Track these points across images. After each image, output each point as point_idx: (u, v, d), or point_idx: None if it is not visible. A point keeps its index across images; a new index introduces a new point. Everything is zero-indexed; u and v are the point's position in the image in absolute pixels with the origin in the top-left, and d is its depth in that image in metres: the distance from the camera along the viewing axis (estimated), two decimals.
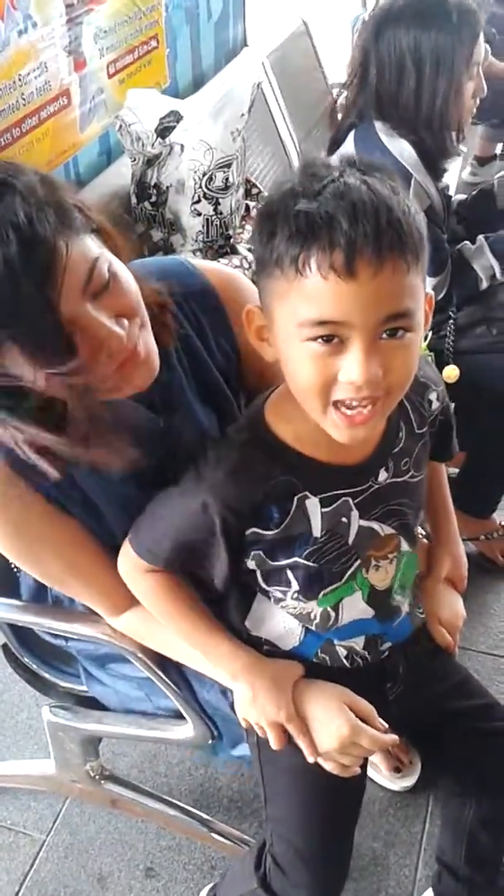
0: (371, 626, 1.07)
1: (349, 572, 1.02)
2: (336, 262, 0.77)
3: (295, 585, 1.01)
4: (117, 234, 0.97)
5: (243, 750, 1.25)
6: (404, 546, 1.06)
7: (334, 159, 0.85)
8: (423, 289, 0.84)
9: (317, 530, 0.97)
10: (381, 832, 1.63)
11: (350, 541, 1.00)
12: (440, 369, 1.87)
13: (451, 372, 1.87)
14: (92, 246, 0.88)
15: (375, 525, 1.01)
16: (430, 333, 1.87)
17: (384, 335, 0.81)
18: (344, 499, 0.98)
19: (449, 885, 1.35)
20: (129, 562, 1.05)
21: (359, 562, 1.02)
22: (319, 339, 0.81)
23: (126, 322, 0.91)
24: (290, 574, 1.00)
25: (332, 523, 0.98)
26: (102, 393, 0.93)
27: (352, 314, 0.79)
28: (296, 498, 0.96)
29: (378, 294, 0.79)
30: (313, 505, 0.96)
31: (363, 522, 1.00)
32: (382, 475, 0.99)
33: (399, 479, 1.01)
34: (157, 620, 1.09)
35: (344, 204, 0.78)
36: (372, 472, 0.99)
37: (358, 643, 1.08)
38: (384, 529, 1.02)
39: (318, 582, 1.01)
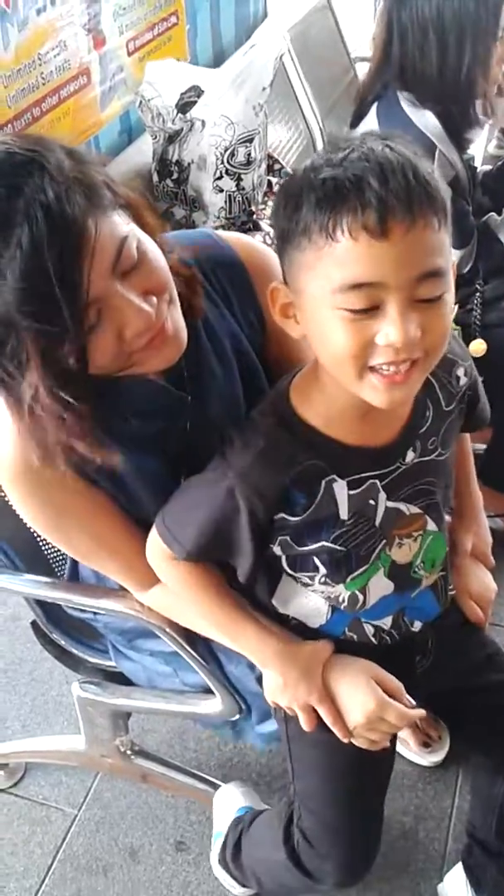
0: (392, 602, 1.06)
1: (375, 553, 1.01)
2: (369, 223, 0.76)
3: (322, 570, 1.00)
4: (146, 208, 0.96)
5: (270, 726, 1.25)
6: (430, 525, 1.05)
7: (353, 133, 0.84)
8: (450, 250, 0.83)
9: (344, 513, 0.97)
10: (410, 807, 1.63)
11: (377, 522, 0.99)
12: (467, 343, 1.85)
13: (479, 346, 1.85)
14: (120, 223, 0.87)
15: (402, 506, 1.00)
16: (456, 307, 1.85)
17: (419, 301, 0.80)
18: (372, 481, 0.97)
19: (479, 859, 1.36)
20: (157, 549, 1.05)
21: (384, 542, 1.01)
22: (355, 311, 0.80)
23: (154, 299, 0.90)
24: (316, 560, 1.00)
25: (360, 506, 0.97)
26: (128, 369, 0.92)
27: (387, 274, 0.78)
28: (323, 482, 0.95)
29: (412, 252, 0.78)
30: (340, 488, 0.96)
31: (390, 504, 0.99)
32: (410, 455, 0.98)
33: (426, 458, 1.00)
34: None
35: (370, 165, 0.77)
36: (399, 453, 0.98)
37: (385, 623, 1.08)
38: (410, 509, 1.01)
39: (345, 566, 1.00)
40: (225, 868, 1.44)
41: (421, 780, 1.67)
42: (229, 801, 1.53)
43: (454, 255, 1.80)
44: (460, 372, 1.04)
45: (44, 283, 0.80)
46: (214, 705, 1.27)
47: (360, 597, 1.03)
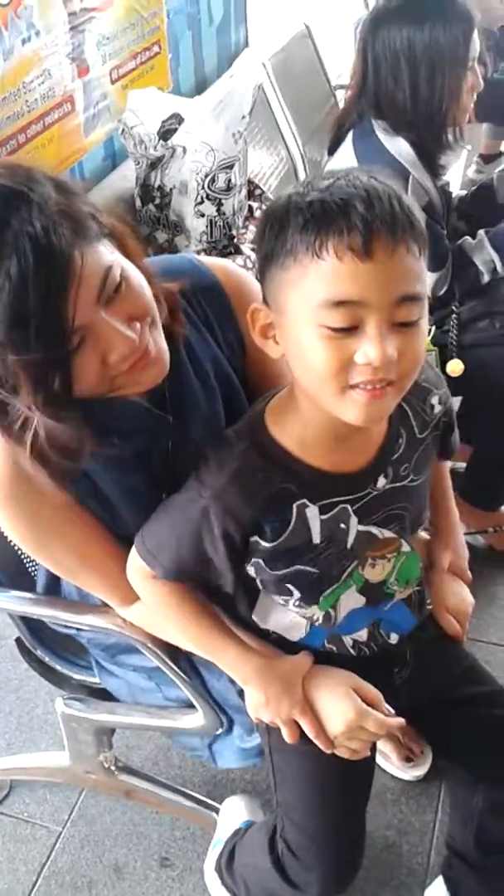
0: (364, 614, 1.08)
1: (346, 572, 1.03)
2: (353, 244, 0.79)
3: (296, 594, 1.03)
4: (129, 235, 0.98)
5: (254, 740, 1.27)
6: (405, 548, 1.07)
7: (332, 160, 0.88)
8: (426, 283, 0.87)
9: (316, 537, 0.99)
10: (393, 821, 1.64)
11: (349, 545, 1.01)
12: (444, 364, 1.89)
13: (456, 366, 1.89)
14: (105, 253, 0.89)
15: (374, 529, 1.02)
16: (433, 328, 1.89)
17: (396, 325, 0.83)
18: (342, 506, 0.98)
19: (459, 871, 1.37)
20: (136, 568, 1.06)
21: (356, 562, 1.03)
22: (336, 329, 0.82)
23: (138, 325, 0.93)
24: (290, 586, 1.02)
25: (331, 529, 0.99)
26: (111, 392, 0.95)
27: (369, 293, 0.81)
28: (295, 506, 0.97)
29: (394, 273, 0.81)
30: (312, 513, 0.97)
31: (361, 527, 1.01)
32: (381, 481, 1.00)
33: (398, 484, 1.02)
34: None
35: (357, 191, 0.81)
36: (371, 479, 0.99)
37: (361, 636, 1.10)
38: (384, 533, 1.03)
39: (318, 587, 1.03)
40: (218, 874, 1.45)
41: (404, 795, 1.68)
42: (234, 813, 1.54)
43: (430, 278, 1.84)
44: (435, 400, 1.06)
45: (31, 312, 0.83)
46: (197, 720, 1.29)
47: (333, 613, 1.06)
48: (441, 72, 1.68)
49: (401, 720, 1.08)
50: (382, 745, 1.70)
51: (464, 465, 2.19)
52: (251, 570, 1.02)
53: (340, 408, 0.87)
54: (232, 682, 1.18)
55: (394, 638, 1.13)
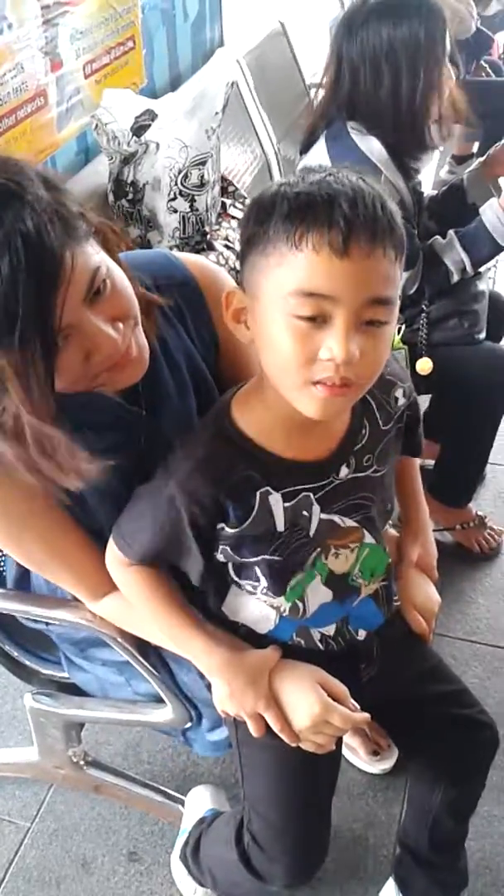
0: (334, 609, 1.09)
1: (310, 560, 1.05)
2: (332, 240, 0.81)
3: (263, 582, 1.04)
4: (113, 233, 0.98)
5: (221, 734, 1.28)
6: (368, 538, 1.08)
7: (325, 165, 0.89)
8: (399, 289, 0.88)
9: (280, 525, 1.00)
10: (360, 814, 1.66)
11: (311, 533, 1.02)
12: (414, 362, 1.91)
13: (425, 364, 1.91)
14: (93, 253, 0.90)
15: (336, 518, 1.04)
16: (403, 327, 1.91)
17: (364, 324, 0.84)
18: (305, 493, 1.00)
19: (409, 869, 1.39)
20: (113, 556, 1.07)
21: (319, 549, 1.04)
22: (304, 318, 0.84)
23: (121, 325, 0.94)
24: (257, 570, 1.03)
25: (294, 517, 1.00)
26: (92, 388, 0.96)
27: (340, 289, 0.82)
28: (258, 493, 0.98)
29: (367, 275, 0.83)
30: (276, 500, 0.99)
31: (324, 516, 1.02)
32: (343, 471, 1.02)
33: (361, 475, 1.04)
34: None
35: (344, 189, 0.83)
36: (333, 468, 1.01)
37: (329, 630, 1.11)
38: (345, 522, 1.05)
39: (283, 575, 1.04)
40: (185, 864, 1.46)
41: (370, 788, 1.70)
42: (199, 802, 1.55)
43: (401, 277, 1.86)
44: (399, 393, 1.08)
45: (20, 310, 0.83)
46: (166, 714, 1.29)
47: (300, 605, 1.07)
48: (422, 69, 1.69)
49: (366, 715, 1.09)
50: (349, 739, 1.71)
51: (432, 462, 2.22)
52: (221, 557, 1.03)
53: (299, 400, 0.89)
54: (201, 675, 1.18)
55: (361, 634, 1.14)
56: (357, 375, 0.86)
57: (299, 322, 0.84)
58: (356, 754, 1.72)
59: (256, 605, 1.09)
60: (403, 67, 1.70)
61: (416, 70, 1.69)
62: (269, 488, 0.98)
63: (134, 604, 1.11)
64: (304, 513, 1.01)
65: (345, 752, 1.72)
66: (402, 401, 1.09)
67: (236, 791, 1.59)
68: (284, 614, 1.07)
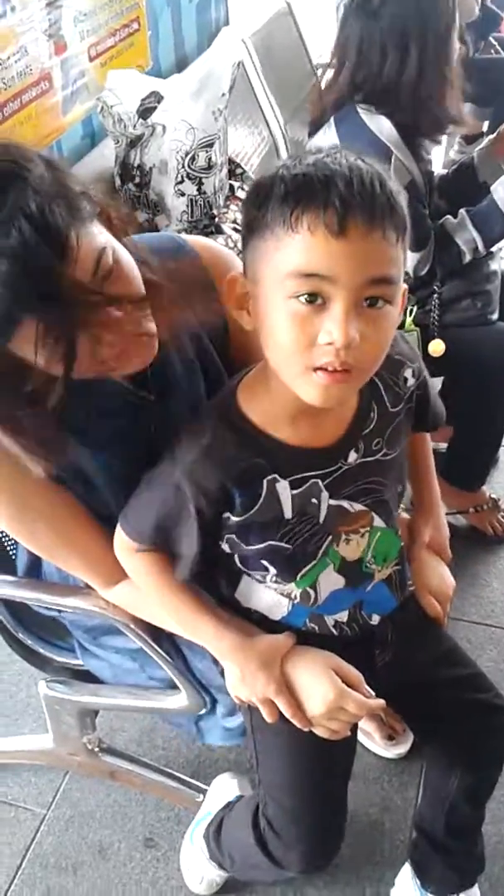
0: (346, 596, 1.08)
1: (322, 549, 1.03)
2: (329, 221, 0.79)
3: (272, 570, 1.03)
4: (118, 215, 0.97)
5: (236, 720, 1.27)
6: (377, 521, 1.06)
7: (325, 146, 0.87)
8: (403, 269, 0.86)
9: (288, 512, 0.99)
10: (376, 798, 1.66)
11: (321, 520, 1.01)
12: (426, 344, 1.89)
13: (437, 346, 1.89)
14: (98, 234, 0.89)
15: (345, 503, 1.02)
16: (415, 308, 1.89)
17: (365, 303, 0.83)
18: (313, 481, 0.99)
19: (425, 852, 1.38)
20: (122, 542, 1.07)
21: (330, 538, 1.03)
22: (303, 297, 0.82)
23: (129, 307, 0.92)
24: (264, 561, 1.02)
25: (303, 504, 0.99)
26: (101, 373, 0.94)
27: (338, 270, 0.81)
28: (265, 481, 0.97)
29: (366, 255, 0.81)
30: (283, 488, 0.98)
31: (333, 502, 1.01)
32: (352, 456, 1.00)
33: (370, 459, 1.02)
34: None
35: (342, 169, 0.81)
36: (341, 454, 1.00)
37: (342, 617, 1.10)
38: (354, 507, 1.03)
39: (293, 564, 1.03)
40: (206, 842, 1.45)
41: (386, 773, 1.69)
42: (226, 788, 1.55)
43: (412, 258, 1.84)
44: (408, 373, 1.06)
45: (26, 293, 0.82)
46: (180, 700, 1.29)
47: (312, 593, 1.06)
48: (435, 44, 1.67)
49: (381, 702, 1.08)
50: (365, 724, 1.71)
51: (445, 445, 2.20)
52: (226, 547, 1.02)
53: (300, 387, 0.88)
54: (215, 661, 1.18)
55: (375, 619, 1.12)
56: (358, 360, 0.84)
57: (298, 305, 0.83)
58: (371, 739, 1.71)
59: (267, 593, 1.08)
60: (417, 43, 1.68)
61: (427, 45, 1.67)
62: (276, 476, 0.97)
63: (143, 590, 1.10)
64: (313, 500, 1.00)
65: (360, 736, 1.71)
66: (411, 381, 1.07)
67: (252, 776, 1.60)
68: (296, 601, 1.06)
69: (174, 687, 1.28)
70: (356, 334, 0.82)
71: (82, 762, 1.58)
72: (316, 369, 0.85)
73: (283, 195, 0.82)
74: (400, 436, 1.07)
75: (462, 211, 1.87)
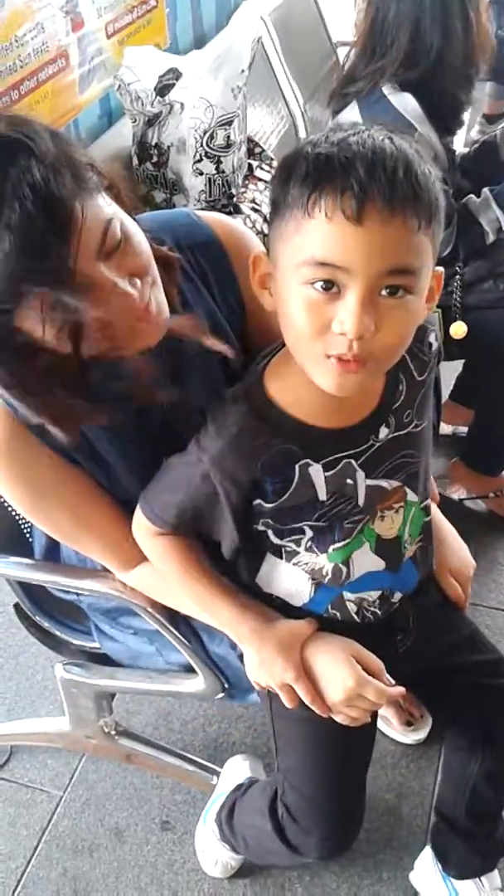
0: (383, 579, 1.07)
1: (358, 527, 1.02)
2: (345, 206, 0.77)
3: (308, 533, 1.01)
4: (126, 189, 0.96)
5: (256, 698, 1.26)
6: (411, 496, 1.05)
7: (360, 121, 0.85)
8: (431, 256, 0.83)
9: (322, 494, 0.97)
10: (393, 784, 1.65)
11: (360, 502, 0.99)
12: (447, 326, 1.86)
13: (459, 328, 1.86)
14: (104, 206, 0.88)
15: (384, 483, 1.01)
16: None
17: (383, 292, 0.80)
18: (346, 461, 0.97)
19: (447, 838, 1.37)
20: (141, 525, 1.06)
21: (367, 517, 1.02)
22: (318, 284, 0.80)
23: (138, 281, 0.91)
24: (304, 525, 1.00)
25: (338, 486, 0.98)
26: (112, 351, 0.93)
27: (354, 260, 0.78)
28: (297, 466, 0.95)
29: (384, 244, 0.78)
30: (316, 471, 0.96)
31: (370, 482, 0.99)
32: (383, 432, 0.98)
33: (402, 433, 1.00)
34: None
35: (364, 151, 0.78)
36: (372, 431, 0.98)
37: (371, 596, 1.08)
38: (391, 484, 1.02)
39: (329, 534, 1.01)
40: (218, 825, 1.45)
41: (404, 758, 1.69)
42: (237, 770, 1.55)
43: None
44: (431, 338, 1.04)
45: (30, 266, 0.81)
46: (197, 684, 1.28)
47: (343, 569, 1.04)
48: (462, 12, 1.65)
49: (401, 690, 1.07)
50: (383, 710, 1.69)
51: (466, 429, 2.18)
52: (261, 527, 1.01)
53: (315, 372, 0.86)
54: (232, 645, 1.17)
55: (396, 596, 1.11)
56: (373, 351, 0.82)
57: (313, 292, 0.81)
58: (389, 724, 1.70)
59: (291, 577, 1.06)
60: (445, 13, 1.65)
61: (455, 15, 1.65)
62: (308, 460, 0.95)
63: (162, 572, 1.09)
64: (349, 481, 0.98)
65: (378, 722, 1.70)
66: (434, 345, 1.04)
67: (269, 760, 1.60)
68: (327, 577, 1.04)
69: (191, 670, 1.27)
70: (371, 325, 0.80)
71: (99, 745, 1.58)
72: (329, 356, 0.83)
73: (303, 176, 0.80)
74: (428, 403, 1.05)
75: (486, 190, 1.84)
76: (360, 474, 0.98)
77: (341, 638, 1.06)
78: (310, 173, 0.79)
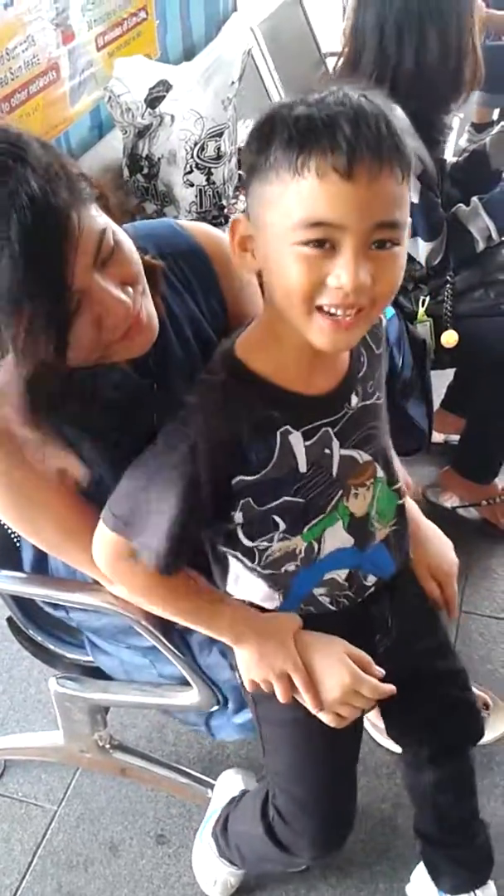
0: (350, 556, 1.07)
1: (332, 503, 1.02)
2: (337, 164, 0.78)
3: (282, 526, 1.01)
4: (114, 199, 0.97)
5: (246, 715, 1.26)
6: (379, 472, 1.07)
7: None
8: (408, 208, 0.86)
9: (303, 465, 0.98)
10: (389, 794, 1.65)
11: (334, 473, 1.01)
12: (439, 335, 1.87)
13: (451, 337, 1.86)
14: (97, 216, 0.89)
15: (355, 453, 1.02)
16: (427, 298, 1.86)
17: (373, 246, 0.82)
18: (324, 429, 0.98)
19: (429, 853, 1.38)
20: (108, 546, 1.01)
21: (341, 491, 1.02)
22: (311, 244, 0.81)
23: (130, 290, 0.92)
24: (276, 517, 1.00)
25: (317, 456, 0.98)
26: (102, 359, 0.93)
27: (347, 216, 0.80)
28: (278, 433, 0.96)
29: (374, 198, 0.80)
30: (297, 440, 0.97)
31: (344, 451, 1.01)
32: (354, 400, 1.00)
33: (368, 402, 1.03)
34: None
35: (345, 109, 0.79)
36: (345, 398, 1.00)
37: (339, 576, 1.07)
38: (362, 457, 1.03)
39: (303, 516, 1.02)
40: (215, 841, 1.45)
41: (399, 769, 1.68)
42: (230, 784, 1.54)
43: (425, 248, 1.81)
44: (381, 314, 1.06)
45: (30, 275, 0.81)
46: (192, 697, 1.28)
47: (315, 546, 1.04)
48: (454, 22, 1.65)
49: (392, 687, 1.07)
50: (377, 720, 1.69)
51: (457, 437, 2.18)
52: (238, 516, 0.99)
53: (308, 330, 0.87)
54: (223, 654, 1.17)
55: (370, 580, 1.10)
56: (372, 299, 0.84)
57: (307, 251, 0.82)
58: (385, 735, 1.69)
59: (258, 588, 1.06)
60: (437, 24, 1.65)
61: (448, 26, 1.65)
62: (288, 426, 0.96)
63: (144, 596, 1.07)
64: (326, 450, 0.99)
65: (373, 732, 1.70)
66: (384, 321, 1.08)
67: (263, 773, 1.59)
68: (300, 556, 1.03)
69: (186, 683, 1.27)
70: (367, 278, 0.82)
71: (93, 759, 1.57)
72: (320, 309, 0.84)
73: (287, 139, 0.80)
74: (383, 378, 1.08)
75: (475, 199, 1.84)
76: (336, 443, 1.00)
77: (332, 637, 1.07)
78: (293, 136, 0.80)
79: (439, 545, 1.23)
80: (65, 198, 0.83)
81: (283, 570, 1.04)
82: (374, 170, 0.79)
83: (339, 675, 1.03)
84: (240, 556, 1.04)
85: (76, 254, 0.84)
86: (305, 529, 1.02)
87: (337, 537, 1.05)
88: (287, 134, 0.80)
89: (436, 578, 1.21)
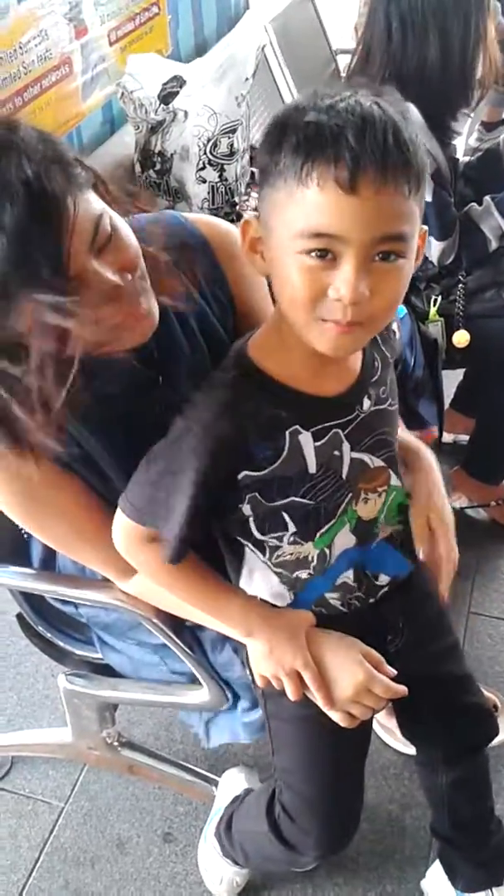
0: (353, 554, 1.06)
1: (342, 507, 1.02)
2: (339, 176, 0.78)
3: (291, 527, 1.00)
4: (113, 187, 0.97)
5: (256, 714, 1.25)
6: (394, 481, 1.06)
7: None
8: (419, 219, 0.85)
9: (312, 466, 0.97)
10: (396, 795, 1.64)
11: (344, 475, 1.00)
12: (450, 334, 1.86)
13: (462, 337, 1.86)
14: (93, 201, 0.88)
15: (366, 457, 1.02)
16: (439, 298, 1.85)
17: (377, 257, 0.82)
18: (334, 430, 0.98)
19: (445, 852, 1.39)
20: (126, 532, 1.02)
21: (350, 495, 1.02)
22: (313, 253, 0.81)
23: (129, 276, 0.92)
24: (285, 516, 1.00)
25: (326, 457, 0.98)
26: (102, 347, 0.92)
27: (349, 229, 0.79)
28: (287, 433, 0.95)
29: (377, 212, 0.79)
30: (306, 440, 0.96)
31: (354, 454, 1.00)
32: (366, 403, 1.00)
33: (380, 407, 1.02)
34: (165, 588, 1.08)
35: (354, 119, 0.78)
36: (357, 401, 0.99)
37: (349, 577, 1.07)
38: (374, 462, 1.03)
39: (314, 521, 1.01)
40: (219, 840, 1.45)
41: (406, 769, 1.67)
42: (233, 783, 1.54)
43: (437, 247, 1.80)
44: (395, 325, 1.08)
45: (26, 261, 0.81)
46: (202, 695, 1.27)
47: (327, 552, 1.04)
48: (471, 23, 1.65)
49: (404, 688, 1.06)
50: (386, 721, 1.69)
51: (467, 437, 2.17)
52: (247, 509, 0.99)
53: (312, 335, 0.87)
54: (235, 651, 1.16)
55: (383, 579, 1.10)
56: (369, 315, 0.84)
57: (309, 260, 0.82)
58: (393, 735, 1.69)
59: (271, 585, 1.05)
60: (454, 23, 1.65)
61: (466, 24, 1.65)
62: (298, 426, 0.96)
63: (157, 581, 1.07)
64: (336, 452, 0.99)
65: (381, 733, 1.70)
66: (398, 333, 1.10)
67: (271, 772, 1.58)
68: (312, 563, 1.03)
69: (195, 681, 1.26)
70: (366, 291, 0.81)
71: (101, 756, 1.57)
72: (325, 320, 0.84)
73: (294, 145, 0.80)
74: (395, 386, 1.07)
75: (487, 198, 1.84)
76: (346, 445, 0.99)
77: (345, 636, 1.06)
78: (300, 143, 0.79)
79: (443, 499, 1.20)
80: (60, 183, 0.83)
81: (294, 575, 1.04)
82: (379, 183, 0.78)
83: (353, 674, 1.03)
84: (251, 546, 1.04)
85: (72, 239, 0.83)
86: (317, 536, 1.02)
87: (343, 539, 1.04)
88: (295, 140, 0.80)
89: (435, 530, 1.17)
